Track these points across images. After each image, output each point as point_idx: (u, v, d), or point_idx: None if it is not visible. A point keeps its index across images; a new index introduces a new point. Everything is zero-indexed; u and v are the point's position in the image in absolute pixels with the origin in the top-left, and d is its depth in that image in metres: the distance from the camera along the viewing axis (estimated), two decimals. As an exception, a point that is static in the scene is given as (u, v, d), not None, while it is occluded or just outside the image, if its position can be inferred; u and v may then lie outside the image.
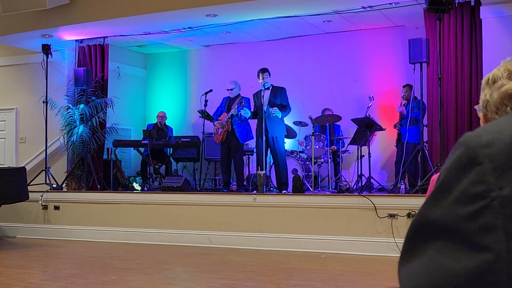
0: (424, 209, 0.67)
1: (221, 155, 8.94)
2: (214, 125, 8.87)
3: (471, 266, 0.61)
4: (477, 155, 0.65)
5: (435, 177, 1.37)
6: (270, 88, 8.45)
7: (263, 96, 8.35)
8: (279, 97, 8.41)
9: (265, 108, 8.26)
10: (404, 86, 8.96)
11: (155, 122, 10.57)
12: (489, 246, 0.61)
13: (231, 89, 8.86)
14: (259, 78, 8.41)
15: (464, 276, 0.61)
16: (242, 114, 8.50)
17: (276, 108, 8.24)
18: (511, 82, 1.30)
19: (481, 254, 0.61)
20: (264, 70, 8.43)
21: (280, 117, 8.33)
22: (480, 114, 1.38)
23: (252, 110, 8.67)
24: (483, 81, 1.39)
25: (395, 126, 8.98)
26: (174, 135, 10.71)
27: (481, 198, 0.63)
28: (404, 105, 8.66)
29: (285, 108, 8.40)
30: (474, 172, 0.64)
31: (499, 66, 1.37)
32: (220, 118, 8.78)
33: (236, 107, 8.60)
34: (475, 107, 1.48)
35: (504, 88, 1.29)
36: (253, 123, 8.75)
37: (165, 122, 10.61)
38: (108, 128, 10.00)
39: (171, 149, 10.35)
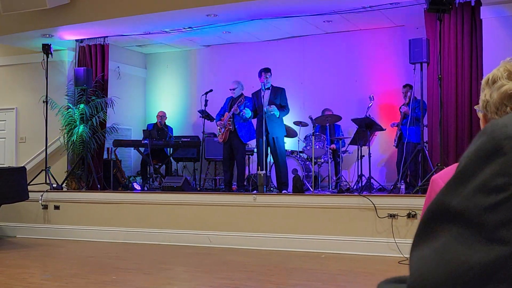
0: (443, 194, 0.66)
1: (223, 155, 8.94)
2: (217, 124, 8.86)
3: (487, 259, 0.60)
4: (502, 145, 0.63)
5: (435, 177, 1.37)
6: (270, 88, 8.44)
7: (263, 96, 8.35)
8: (278, 97, 8.41)
9: (265, 108, 8.26)
10: (404, 86, 8.96)
11: (155, 122, 10.58)
12: (507, 239, 0.60)
13: (233, 89, 8.85)
14: (260, 77, 8.39)
15: (479, 269, 0.60)
16: (244, 114, 8.50)
17: (274, 106, 8.22)
18: (511, 83, 1.30)
19: (499, 247, 0.60)
20: (267, 70, 8.43)
21: (277, 116, 8.30)
22: (480, 115, 1.38)
23: (252, 109, 8.66)
24: (483, 82, 1.39)
25: (393, 125, 8.96)
26: (174, 135, 10.71)
27: (503, 190, 0.62)
28: (405, 104, 8.66)
29: (283, 108, 8.39)
30: (497, 162, 0.63)
31: (499, 67, 1.37)
32: (223, 118, 8.78)
33: (237, 105, 8.60)
34: (475, 107, 1.48)
35: (504, 88, 1.29)
36: (255, 123, 8.74)
37: (165, 122, 10.61)
38: (108, 128, 10.01)
39: (171, 149, 10.35)
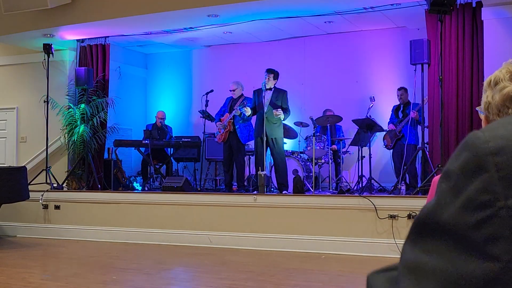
0: (433, 208, 0.66)
1: (223, 155, 8.94)
2: (216, 125, 8.86)
3: (478, 274, 0.61)
4: (484, 162, 0.64)
5: (436, 178, 1.37)
6: (273, 89, 8.44)
7: (264, 96, 8.34)
8: (280, 99, 8.41)
9: (266, 108, 8.25)
10: (399, 89, 8.93)
11: (155, 122, 10.58)
12: (497, 256, 0.61)
13: (233, 90, 8.86)
14: (267, 77, 8.37)
15: (471, 283, 0.61)
16: (244, 113, 8.50)
17: (280, 109, 8.24)
18: None
19: (489, 263, 0.61)
20: (270, 71, 8.40)
21: (283, 119, 8.36)
22: (482, 116, 1.38)
23: (252, 106, 8.63)
24: (485, 83, 1.39)
25: (391, 128, 8.93)
26: (174, 135, 10.72)
27: (487, 207, 0.62)
28: (416, 110, 8.59)
29: (285, 111, 8.41)
30: (480, 179, 0.63)
31: (501, 68, 1.36)
32: (223, 118, 8.78)
33: (238, 107, 8.60)
34: (477, 108, 1.48)
35: (506, 90, 1.29)
36: (254, 123, 8.73)
37: (164, 122, 10.61)
38: (109, 127, 10.01)
39: (171, 149, 10.35)
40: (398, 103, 9.00)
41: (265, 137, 8.15)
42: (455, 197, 0.64)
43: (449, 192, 0.65)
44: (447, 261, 0.63)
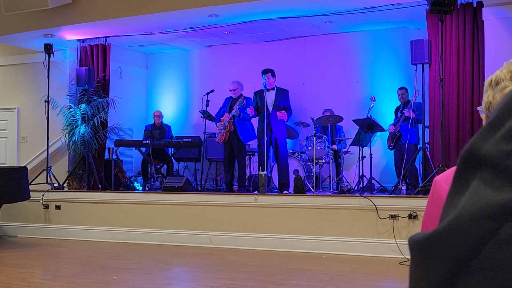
0: (474, 142, 0.71)
1: (224, 155, 8.95)
2: (216, 126, 8.87)
3: (508, 198, 0.65)
4: None
5: (437, 178, 1.37)
6: (275, 89, 8.45)
7: (265, 96, 8.34)
8: (283, 99, 8.44)
9: (270, 108, 8.28)
10: (400, 89, 8.95)
11: (153, 122, 10.59)
12: None
13: (234, 90, 8.86)
14: (265, 78, 8.40)
15: (499, 206, 0.65)
16: (247, 112, 8.52)
17: (283, 112, 8.28)
18: None
19: None
20: (266, 71, 8.44)
21: (286, 120, 8.40)
22: (483, 116, 1.38)
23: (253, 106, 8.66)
24: (486, 83, 1.39)
25: (393, 130, 8.94)
26: (175, 135, 10.72)
27: None
28: (402, 108, 8.64)
29: (287, 111, 8.44)
30: None
31: (502, 68, 1.37)
32: (222, 118, 8.78)
33: (237, 107, 8.60)
34: (478, 108, 1.48)
35: (507, 89, 1.29)
36: (255, 123, 8.74)
37: (162, 121, 10.62)
38: (110, 128, 10.01)
39: (172, 149, 10.35)
40: (399, 103, 9.01)
41: (266, 137, 8.15)
42: (496, 130, 0.69)
43: (490, 126, 0.70)
44: (484, 188, 0.67)
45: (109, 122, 10.04)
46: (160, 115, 10.60)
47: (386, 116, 9.56)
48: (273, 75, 8.47)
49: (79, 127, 9.59)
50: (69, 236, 8.41)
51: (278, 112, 8.28)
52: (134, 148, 10.69)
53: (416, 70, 7.50)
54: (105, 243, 7.97)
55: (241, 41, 10.77)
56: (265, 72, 8.43)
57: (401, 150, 8.59)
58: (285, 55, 10.60)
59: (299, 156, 9.15)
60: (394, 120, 9.01)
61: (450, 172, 1.35)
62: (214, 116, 8.99)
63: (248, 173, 9.49)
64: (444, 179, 1.33)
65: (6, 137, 10.84)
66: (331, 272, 5.84)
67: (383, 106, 9.69)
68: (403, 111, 8.65)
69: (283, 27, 9.75)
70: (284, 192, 8.11)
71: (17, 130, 10.71)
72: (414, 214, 6.52)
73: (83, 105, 9.66)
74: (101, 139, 9.79)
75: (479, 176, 0.68)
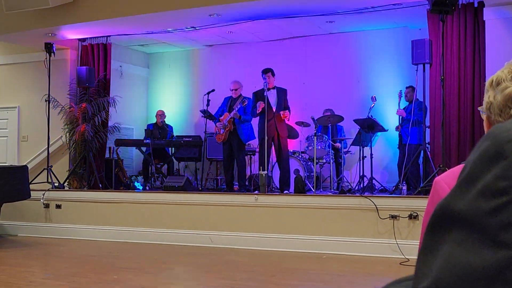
0: (448, 199, 0.67)
1: (223, 155, 8.95)
2: (216, 125, 8.86)
3: (491, 262, 0.61)
4: (504, 149, 0.64)
5: (437, 179, 1.36)
6: (276, 88, 8.45)
7: (266, 95, 8.33)
8: (283, 98, 8.44)
9: (274, 108, 8.28)
10: (407, 87, 8.98)
11: (155, 121, 10.59)
12: (510, 242, 0.61)
13: (235, 89, 8.86)
14: (266, 78, 8.40)
15: (483, 271, 0.61)
16: (246, 116, 8.55)
17: (287, 111, 8.32)
18: None
19: (502, 251, 0.61)
20: (266, 71, 8.44)
21: (288, 119, 8.42)
22: (484, 116, 1.38)
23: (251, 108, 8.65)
24: (487, 83, 1.39)
25: (397, 130, 8.96)
26: (176, 134, 10.72)
27: (504, 193, 0.62)
28: (405, 108, 8.65)
29: (287, 110, 8.46)
30: (499, 166, 0.63)
31: (503, 68, 1.36)
32: (222, 118, 8.78)
33: (237, 108, 8.60)
34: (479, 108, 1.47)
35: (508, 90, 1.28)
36: (254, 123, 8.73)
37: (164, 120, 10.61)
38: (110, 127, 10.01)
39: (173, 148, 10.35)
40: (406, 103, 9.02)
41: (266, 137, 8.15)
42: (471, 185, 0.65)
43: (465, 181, 0.66)
44: (461, 250, 0.63)
45: (109, 121, 10.04)
46: (163, 114, 10.60)
47: (387, 116, 9.56)
48: (273, 74, 8.48)
49: (79, 126, 9.59)
50: (69, 235, 8.41)
51: (281, 112, 8.29)
52: (134, 148, 10.69)
53: (417, 70, 7.50)
54: (106, 243, 7.97)
55: (242, 40, 10.76)
56: (265, 71, 8.43)
57: (403, 150, 8.59)
58: (286, 55, 10.59)
59: (300, 156, 9.15)
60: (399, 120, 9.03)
61: (451, 172, 1.35)
62: (215, 115, 8.99)
63: (248, 173, 9.48)
64: (444, 180, 1.33)
65: (7, 136, 10.84)
66: (332, 272, 5.84)
67: (383, 106, 9.69)
68: (409, 111, 8.64)
69: (284, 27, 9.74)
70: (285, 192, 8.11)
71: (17, 129, 10.72)
72: (415, 214, 6.51)
73: (84, 104, 9.65)
74: (102, 139, 9.78)
75: (454, 235, 0.64)
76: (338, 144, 9.40)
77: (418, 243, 1.41)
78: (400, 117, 8.82)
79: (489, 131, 0.67)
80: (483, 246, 0.62)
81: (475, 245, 0.62)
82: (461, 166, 1.35)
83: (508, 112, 1.28)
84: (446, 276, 0.63)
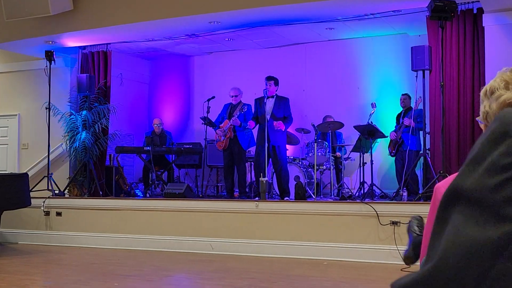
0: (457, 179, 0.71)
1: (224, 162, 8.95)
2: (216, 132, 8.87)
3: (494, 236, 0.64)
4: (510, 129, 0.68)
5: (438, 185, 1.37)
6: (275, 97, 8.46)
7: (265, 103, 8.35)
8: (282, 107, 8.42)
9: (268, 116, 8.28)
10: (403, 95, 8.98)
11: (153, 129, 10.60)
12: None
13: (235, 96, 8.87)
14: (267, 85, 8.42)
15: (489, 245, 0.64)
16: (248, 126, 8.56)
17: (280, 122, 8.27)
18: (508, 92, 1.31)
19: (505, 225, 0.64)
20: (269, 79, 8.44)
21: (284, 130, 8.38)
22: (482, 126, 1.39)
23: (253, 116, 8.66)
24: (482, 93, 1.41)
25: (394, 137, 8.94)
26: (176, 141, 10.72)
27: (508, 169, 0.66)
28: (408, 116, 8.63)
29: (287, 119, 8.44)
30: (505, 144, 0.67)
31: (496, 77, 1.39)
32: (222, 125, 8.79)
33: (237, 115, 8.61)
34: (477, 118, 1.49)
35: (502, 98, 1.30)
36: (255, 130, 8.74)
37: (162, 128, 10.61)
38: (111, 134, 10.01)
39: (173, 155, 10.35)
40: (401, 109, 9.04)
41: (266, 144, 8.15)
42: (478, 164, 0.69)
43: (472, 161, 0.70)
44: (467, 226, 0.66)
45: (110, 128, 10.04)
46: (160, 123, 10.60)
47: (386, 123, 9.57)
48: (276, 83, 8.45)
49: (80, 133, 9.60)
50: (70, 243, 8.40)
51: (274, 122, 8.27)
52: (135, 155, 10.69)
53: (416, 77, 7.51)
54: (106, 250, 7.96)
55: (242, 47, 10.79)
56: (268, 79, 8.44)
57: (403, 157, 8.60)
58: (286, 62, 10.62)
59: (300, 163, 9.15)
60: (396, 126, 9.03)
61: (451, 179, 1.36)
62: (215, 122, 9.00)
63: (248, 180, 9.49)
64: (445, 186, 1.34)
65: (7, 144, 10.85)
66: (333, 279, 5.83)
67: (383, 112, 9.70)
68: (404, 119, 8.67)
69: (284, 34, 9.77)
70: (285, 198, 8.11)
71: (18, 137, 10.72)
72: (415, 220, 6.50)
73: (84, 112, 9.67)
74: (102, 146, 9.79)
75: (459, 211, 0.67)
76: (338, 154, 9.42)
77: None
78: (401, 123, 8.81)
79: (497, 115, 0.71)
80: (487, 221, 0.65)
81: (480, 221, 0.65)
82: None
83: None
84: (451, 254, 0.66)
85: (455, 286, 0.64)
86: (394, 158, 9.03)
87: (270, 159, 8.40)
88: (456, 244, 0.66)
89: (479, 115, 1.43)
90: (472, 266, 0.63)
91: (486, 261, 0.63)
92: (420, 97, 7.80)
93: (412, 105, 8.73)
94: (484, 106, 1.37)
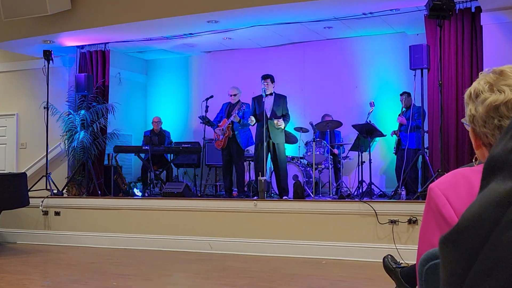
0: (492, 149, 0.79)
1: (222, 161, 8.95)
2: (215, 131, 8.87)
3: (509, 190, 0.72)
4: None
5: (432, 185, 1.37)
6: (273, 95, 8.45)
7: (264, 101, 8.35)
8: (281, 105, 8.42)
9: (269, 114, 8.28)
10: (401, 94, 8.97)
11: (152, 128, 10.59)
12: None
13: (234, 95, 8.86)
14: (262, 83, 8.42)
15: (504, 194, 0.72)
16: (249, 123, 8.51)
17: (281, 120, 8.27)
18: (493, 95, 1.30)
19: None
20: (266, 77, 8.44)
21: (283, 127, 8.38)
22: (469, 128, 1.39)
23: (252, 114, 8.65)
24: (466, 96, 1.40)
25: (393, 135, 8.96)
26: (174, 140, 10.72)
27: None
28: (403, 114, 8.66)
29: (285, 117, 8.43)
30: None
31: (479, 79, 1.38)
32: (220, 124, 8.79)
33: (236, 113, 8.61)
34: (462, 120, 1.49)
35: (488, 101, 1.30)
36: (253, 129, 8.74)
37: (161, 127, 10.61)
38: (109, 134, 10.01)
39: (171, 154, 10.35)
40: (400, 108, 9.03)
41: (265, 143, 8.16)
42: (506, 133, 0.77)
43: (504, 132, 0.78)
44: (493, 185, 0.75)
45: (108, 128, 10.04)
46: (159, 121, 10.60)
47: (385, 121, 9.57)
48: (272, 81, 8.46)
49: (78, 133, 9.60)
50: (68, 242, 8.40)
51: (275, 120, 8.27)
52: (133, 154, 10.69)
53: (415, 75, 7.51)
54: (105, 249, 7.96)
55: (240, 46, 10.79)
56: (264, 77, 8.44)
57: (402, 155, 8.60)
58: (284, 61, 10.61)
59: (299, 162, 9.15)
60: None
61: (444, 179, 1.36)
62: (213, 121, 9.00)
63: (247, 179, 9.49)
64: (438, 186, 1.34)
65: (6, 144, 10.84)
66: (331, 278, 5.84)
67: (382, 111, 9.70)
68: (408, 116, 8.66)
69: (282, 33, 9.76)
70: (284, 197, 8.11)
71: (16, 137, 10.72)
72: (414, 219, 6.52)
73: (82, 111, 9.66)
74: (101, 145, 9.79)
75: (494, 179, 0.76)
76: (336, 150, 9.41)
77: (417, 248, 1.41)
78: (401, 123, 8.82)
79: None
80: (506, 178, 0.73)
81: (504, 178, 0.73)
82: (455, 172, 1.36)
83: (492, 122, 1.29)
84: (476, 205, 0.74)
85: (471, 232, 0.72)
86: (395, 156, 9.03)
87: (270, 157, 8.41)
88: (482, 198, 0.74)
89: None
90: (490, 212, 0.71)
91: (501, 207, 0.70)
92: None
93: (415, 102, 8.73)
94: (470, 109, 1.37)
